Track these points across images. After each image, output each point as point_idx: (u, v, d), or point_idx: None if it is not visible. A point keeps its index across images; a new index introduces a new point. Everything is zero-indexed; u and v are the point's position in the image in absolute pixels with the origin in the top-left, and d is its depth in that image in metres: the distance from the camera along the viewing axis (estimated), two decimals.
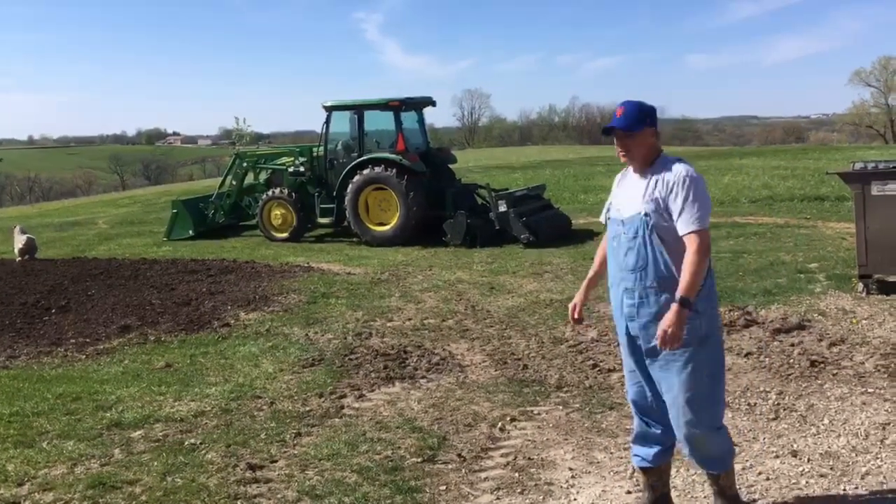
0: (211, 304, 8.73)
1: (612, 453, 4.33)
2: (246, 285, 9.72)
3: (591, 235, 13.11)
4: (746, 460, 4.08)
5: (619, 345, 3.65)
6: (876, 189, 7.58)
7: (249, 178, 15.39)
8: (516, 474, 4.12)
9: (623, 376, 5.56)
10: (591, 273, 3.80)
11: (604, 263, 3.63)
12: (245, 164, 15.18)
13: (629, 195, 3.42)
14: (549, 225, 12.68)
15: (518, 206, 12.45)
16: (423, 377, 5.86)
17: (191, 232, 14.82)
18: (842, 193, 14.65)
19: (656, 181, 3.34)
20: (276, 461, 4.41)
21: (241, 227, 15.64)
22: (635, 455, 3.62)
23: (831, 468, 3.93)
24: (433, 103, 14.43)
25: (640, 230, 3.31)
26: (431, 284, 9.36)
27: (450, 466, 4.26)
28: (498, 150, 65.80)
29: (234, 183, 15.18)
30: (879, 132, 75.77)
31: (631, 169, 3.49)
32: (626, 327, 3.45)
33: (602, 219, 3.59)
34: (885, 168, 7.92)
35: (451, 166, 14.08)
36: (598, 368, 5.82)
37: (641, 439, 3.58)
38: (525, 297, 8.42)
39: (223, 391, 5.65)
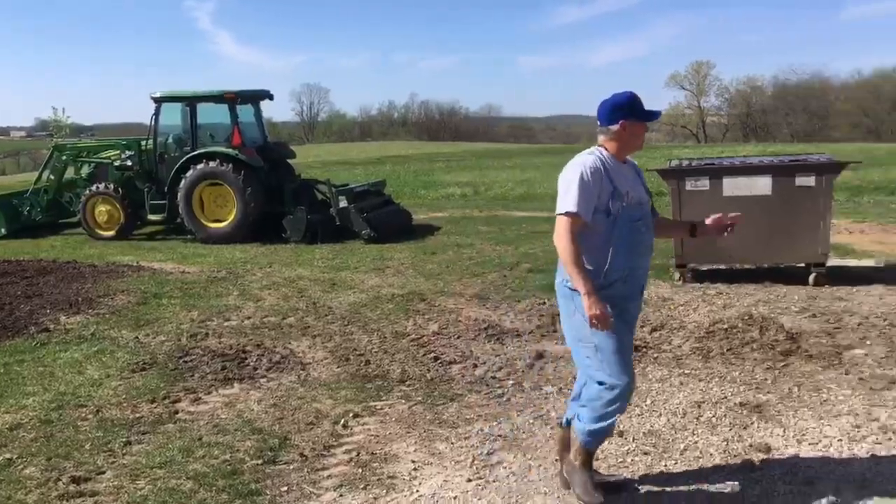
0: (27, 308, 8.07)
1: (453, 444, 4.41)
2: (67, 287, 9.07)
3: (431, 231, 13.29)
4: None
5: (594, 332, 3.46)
6: (689, 185, 8.19)
7: (70, 173, 14.40)
8: (359, 470, 4.11)
9: (464, 367, 5.75)
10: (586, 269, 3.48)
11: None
12: (64, 158, 14.20)
13: (630, 182, 3.58)
14: (390, 221, 12.74)
15: (358, 201, 12.42)
16: (264, 377, 5.71)
17: (3, 231, 13.67)
18: (660, 189, 15.72)
19: (636, 170, 3.72)
20: (102, 472, 4.15)
21: (62, 225, 14.60)
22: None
23: (653, 446, 4.21)
24: (270, 97, 14.09)
25: (649, 212, 3.66)
26: (271, 282, 9.15)
27: (291, 466, 4.18)
28: (337, 145, 65.33)
29: (52, 178, 14.16)
30: (692, 132, 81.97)
31: (609, 160, 3.54)
32: (630, 307, 3.62)
33: (615, 208, 3.46)
34: (697, 166, 8.59)
35: (289, 161, 13.82)
36: (439, 361, 5.91)
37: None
38: (367, 292, 8.41)
39: (42, 401, 5.25)
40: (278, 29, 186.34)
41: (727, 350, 5.79)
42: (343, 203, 12.16)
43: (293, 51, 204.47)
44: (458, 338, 6.54)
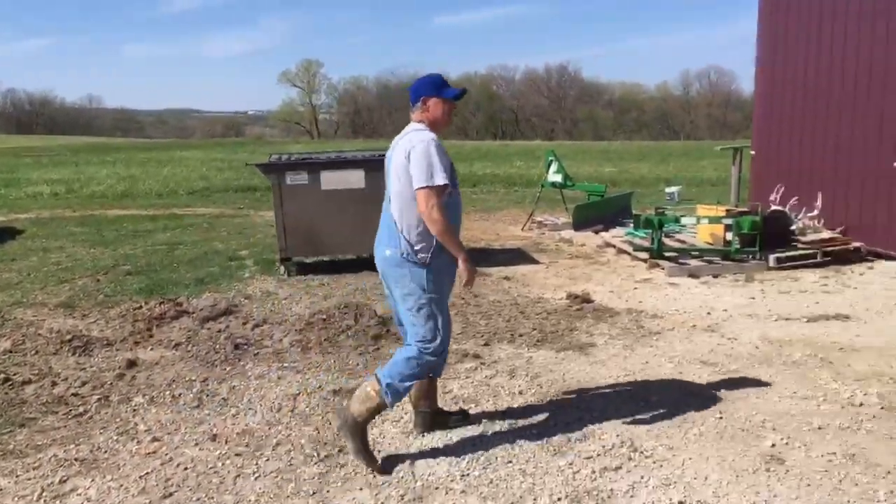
0: None
1: (18, 477, 3.84)
2: None
3: (12, 234, 11.72)
4: (166, 454, 4.03)
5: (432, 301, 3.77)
6: (290, 179, 8.28)
7: None
8: None
9: (40, 387, 5.06)
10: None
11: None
12: None
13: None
14: None
15: None
16: None
17: None
18: (259, 184, 15.70)
19: None
20: None
21: None
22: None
23: (247, 445, 4.13)
24: None
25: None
26: None
27: None
28: None
29: None
30: (306, 129, 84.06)
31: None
32: (454, 275, 3.88)
33: (443, 181, 3.65)
34: (296, 160, 8.71)
35: None
36: (10, 383, 5.15)
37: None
38: None
39: None
40: None
41: (325, 340, 5.94)
42: None
43: None
44: (36, 353, 5.79)
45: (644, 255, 9.08)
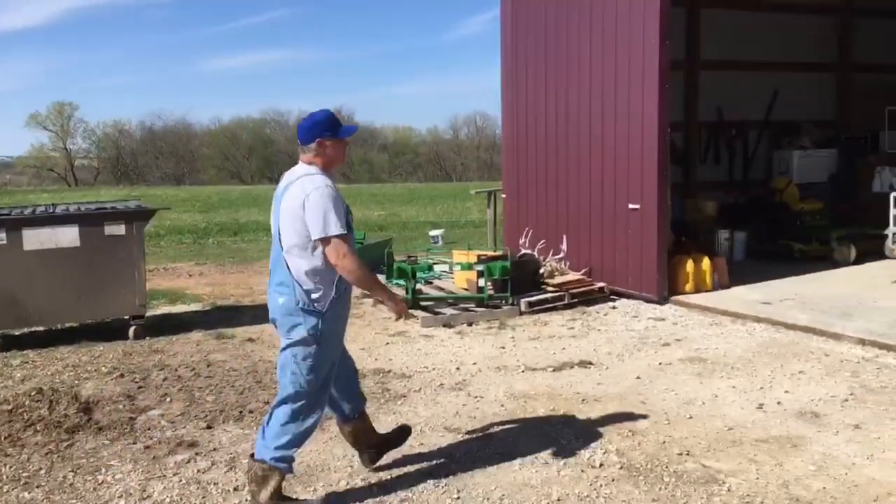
0: None
1: None
2: None
3: None
4: None
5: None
6: None
7: None
8: None
9: None
10: None
11: None
12: None
13: None
14: None
15: None
16: None
17: None
18: None
19: None
20: None
21: None
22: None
23: None
24: None
25: None
26: None
27: None
28: None
29: None
30: (62, 175, 77.27)
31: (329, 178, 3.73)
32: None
33: (340, 230, 3.59)
34: None
35: None
36: None
37: None
38: None
39: None
40: None
41: (6, 438, 4.87)
42: None
43: None
44: None
45: None
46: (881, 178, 11.64)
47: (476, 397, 5.60)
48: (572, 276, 9.19)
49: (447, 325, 8.05)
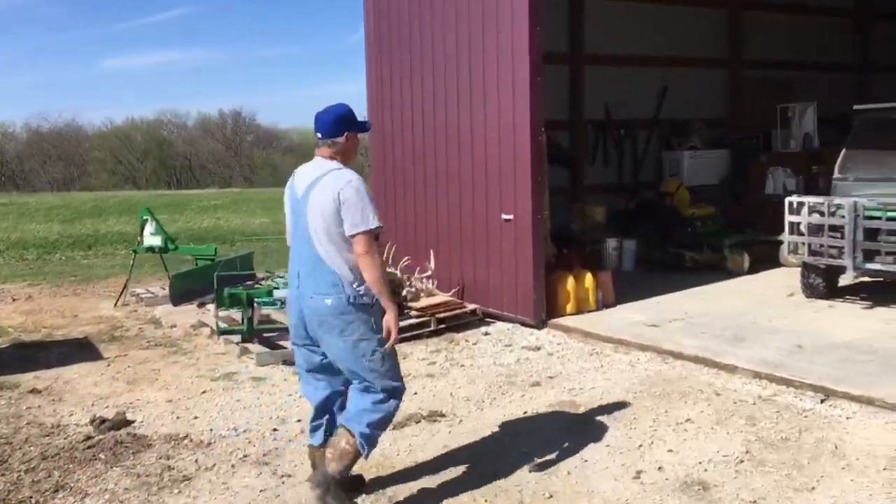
0: None
1: None
2: None
3: None
4: None
5: None
6: None
7: None
8: None
9: None
10: None
11: None
12: None
13: None
14: None
15: None
16: None
17: None
18: None
19: None
20: None
21: None
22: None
23: None
24: None
25: None
26: None
27: None
28: None
29: None
30: None
31: None
32: None
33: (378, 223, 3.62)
34: None
35: None
36: None
37: None
38: None
39: None
40: None
41: None
42: None
43: None
44: None
45: (238, 337, 7.43)
46: (774, 180, 10.98)
47: (283, 476, 4.35)
48: (440, 297, 8.03)
49: (287, 361, 6.76)
